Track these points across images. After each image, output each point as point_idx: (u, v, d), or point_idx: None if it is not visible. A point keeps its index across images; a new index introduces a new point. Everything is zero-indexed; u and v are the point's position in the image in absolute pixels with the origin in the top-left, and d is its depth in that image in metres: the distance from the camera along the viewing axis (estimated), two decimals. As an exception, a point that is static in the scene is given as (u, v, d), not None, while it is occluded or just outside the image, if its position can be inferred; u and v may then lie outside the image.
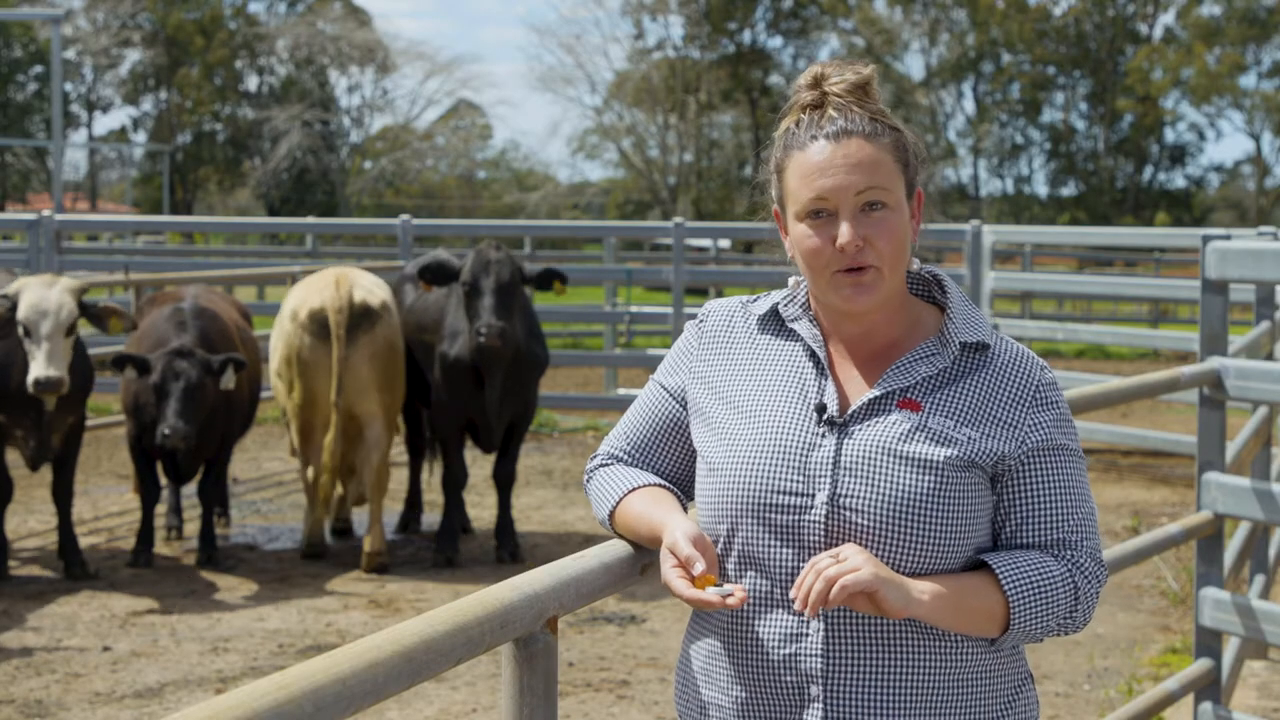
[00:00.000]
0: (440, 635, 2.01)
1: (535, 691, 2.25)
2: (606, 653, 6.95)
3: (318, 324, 8.43)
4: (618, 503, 2.47)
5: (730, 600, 2.24)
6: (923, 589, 2.22)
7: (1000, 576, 2.27)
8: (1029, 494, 2.32)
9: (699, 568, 2.25)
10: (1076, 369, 18.17)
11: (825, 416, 2.31)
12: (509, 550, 8.67)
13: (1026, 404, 2.33)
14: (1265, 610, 5.01)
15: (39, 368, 7.63)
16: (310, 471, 8.74)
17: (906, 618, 2.23)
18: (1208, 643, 5.20)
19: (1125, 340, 15.23)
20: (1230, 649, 5.89)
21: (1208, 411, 5.15)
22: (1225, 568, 5.42)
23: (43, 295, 7.77)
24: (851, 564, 2.18)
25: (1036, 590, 2.28)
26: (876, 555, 2.26)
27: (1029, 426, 2.32)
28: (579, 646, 7.02)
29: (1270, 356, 7.21)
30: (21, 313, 7.72)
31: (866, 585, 2.16)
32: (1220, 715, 5.19)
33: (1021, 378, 2.34)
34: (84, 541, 8.85)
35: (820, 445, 2.30)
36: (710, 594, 2.24)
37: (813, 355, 2.38)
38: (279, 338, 8.72)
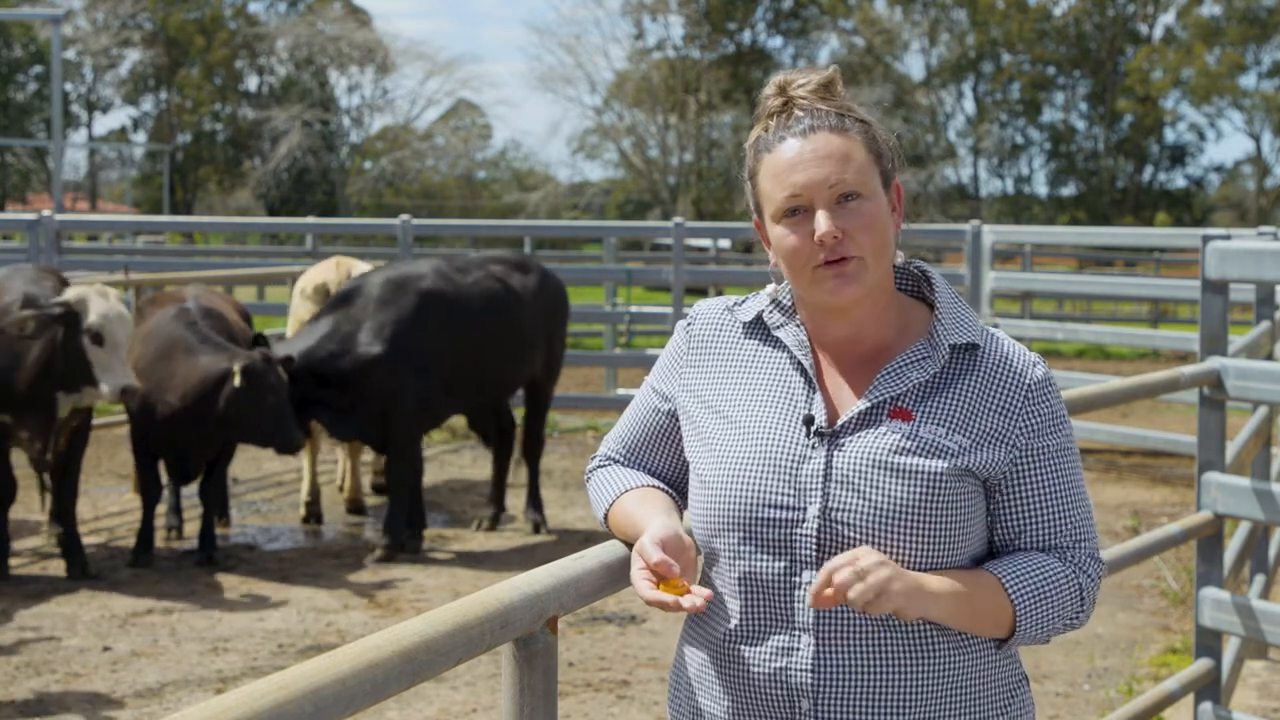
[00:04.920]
0: (440, 635, 2.01)
1: (535, 691, 2.25)
2: (606, 653, 6.95)
3: (320, 294, 9.76)
4: (611, 504, 2.46)
5: (685, 603, 2.19)
6: (939, 591, 2.19)
7: (1005, 584, 2.25)
8: (1025, 499, 2.29)
9: (675, 570, 2.22)
10: (1076, 369, 18.17)
11: (814, 428, 2.27)
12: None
13: (1018, 410, 2.28)
14: (1265, 610, 5.01)
15: (122, 377, 7.74)
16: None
17: (920, 619, 2.20)
18: (1208, 643, 5.20)
19: (1125, 340, 15.22)
20: (1230, 649, 5.88)
21: (1208, 411, 5.15)
22: (1225, 568, 5.41)
23: (111, 304, 7.81)
24: (865, 564, 2.13)
25: (1042, 594, 2.26)
26: None
27: (1021, 432, 2.28)
28: (579, 646, 7.02)
29: (1270, 356, 7.20)
30: (93, 320, 7.73)
31: (880, 587, 2.12)
32: (1220, 715, 5.19)
33: (1012, 381, 2.29)
34: (84, 541, 8.84)
35: (811, 457, 2.25)
36: (667, 596, 2.20)
37: (799, 364, 2.33)
38: (290, 315, 10.07)
